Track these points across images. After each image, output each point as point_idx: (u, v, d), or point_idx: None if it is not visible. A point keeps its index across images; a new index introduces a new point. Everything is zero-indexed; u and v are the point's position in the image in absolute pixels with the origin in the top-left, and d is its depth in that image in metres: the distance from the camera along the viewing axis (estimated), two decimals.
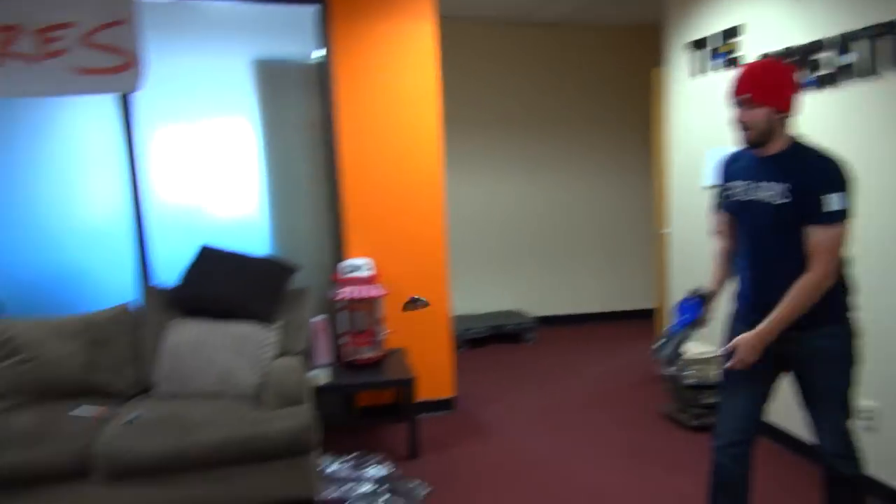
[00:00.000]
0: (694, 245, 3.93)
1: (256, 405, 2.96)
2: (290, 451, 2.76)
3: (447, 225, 5.82)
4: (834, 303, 2.12)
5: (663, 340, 2.30)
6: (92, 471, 2.65)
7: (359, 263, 3.69)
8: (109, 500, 2.67)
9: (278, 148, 3.91)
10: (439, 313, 3.99)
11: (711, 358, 3.45)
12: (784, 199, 2.04)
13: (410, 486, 3.06)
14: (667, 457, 3.33)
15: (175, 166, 3.77)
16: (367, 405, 4.01)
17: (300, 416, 2.80)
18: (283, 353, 3.31)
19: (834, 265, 2.04)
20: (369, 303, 3.66)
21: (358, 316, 3.65)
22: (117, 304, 3.43)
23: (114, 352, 3.27)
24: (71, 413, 2.93)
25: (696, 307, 2.30)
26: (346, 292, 3.57)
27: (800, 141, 2.11)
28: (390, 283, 3.89)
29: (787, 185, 2.04)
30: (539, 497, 2.99)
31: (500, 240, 6.02)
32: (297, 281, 3.82)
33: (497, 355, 5.30)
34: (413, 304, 3.02)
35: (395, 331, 3.91)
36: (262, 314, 3.30)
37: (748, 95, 2.06)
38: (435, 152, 3.90)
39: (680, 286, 3.95)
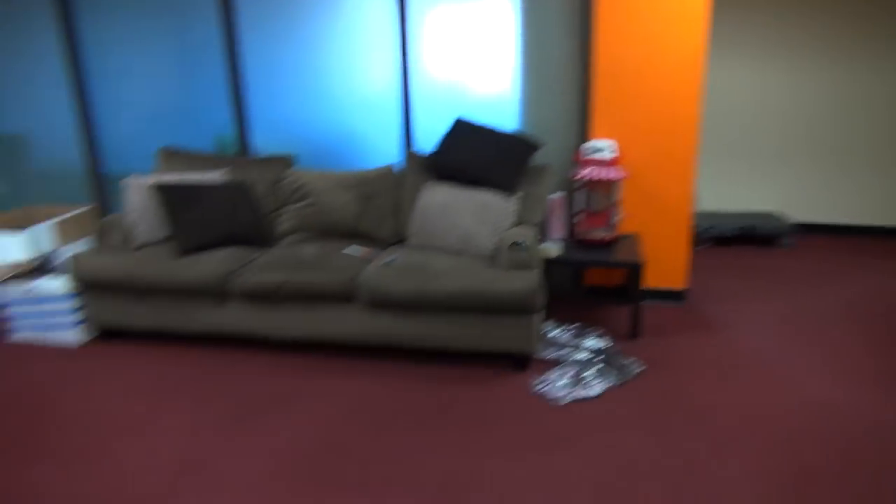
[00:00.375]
0: None
1: (491, 266, 3.26)
2: (516, 309, 3.03)
3: (703, 113, 5.50)
4: None
5: None
6: (355, 297, 3.20)
7: (601, 145, 3.70)
8: (367, 322, 3.22)
9: (536, 29, 3.96)
10: (680, 205, 3.88)
11: None
12: None
13: (625, 362, 3.19)
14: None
15: (440, 45, 4.04)
16: (595, 284, 4.14)
17: (527, 280, 3.03)
18: (520, 223, 3.55)
19: None
20: (607, 185, 3.69)
21: (595, 196, 3.71)
22: (384, 164, 3.91)
23: (379, 205, 3.78)
24: (343, 251, 3.52)
25: None
26: (586, 172, 3.63)
27: None
28: (632, 168, 3.86)
29: None
30: (753, 396, 2.93)
31: (765, 134, 5.49)
32: (541, 158, 3.98)
33: (744, 257, 5.02)
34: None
35: (632, 216, 3.92)
36: (504, 185, 3.53)
37: None
38: (698, 33, 3.64)
39: None
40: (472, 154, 3.61)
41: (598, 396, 2.93)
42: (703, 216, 5.43)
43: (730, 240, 5.40)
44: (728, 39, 5.38)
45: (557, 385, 2.98)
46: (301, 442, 2.63)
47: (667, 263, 3.99)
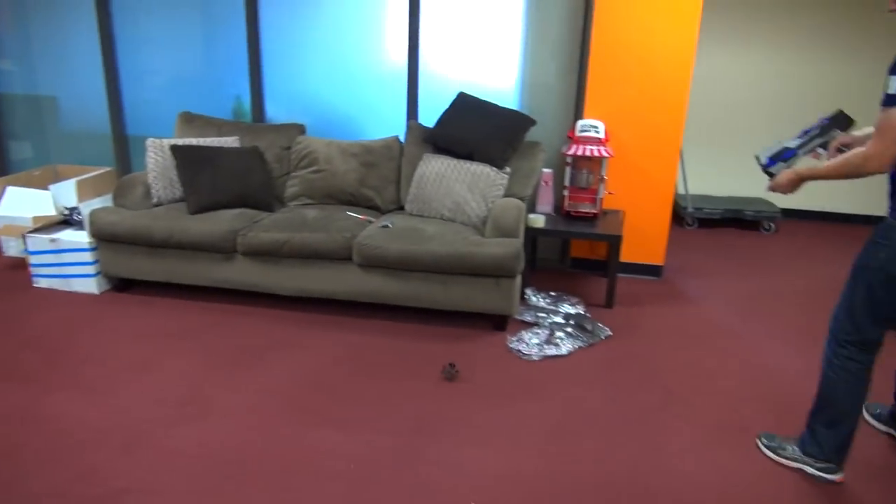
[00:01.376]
0: None
1: (479, 233, 3.48)
2: (497, 272, 3.25)
3: (697, 100, 5.64)
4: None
5: (776, 148, 2.28)
6: (352, 257, 3.44)
7: (594, 124, 3.88)
8: (362, 280, 3.46)
9: (539, 13, 4.13)
10: (664, 185, 4.07)
11: None
12: None
13: (595, 327, 3.42)
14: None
15: (448, 25, 4.22)
16: (579, 257, 4.36)
17: (510, 247, 3.25)
18: (510, 195, 3.75)
19: (880, 148, 1.89)
20: (596, 162, 3.88)
21: (583, 173, 3.90)
22: (389, 135, 4.12)
23: (381, 173, 4.00)
24: (348, 212, 3.76)
25: (825, 128, 2.24)
26: (576, 149, 3.81)
27: None
28: (620, 148, 4.05)
29: None
30: (706, 361, 3.16)
31: (755, 122, 5.63)
32: (535, 134, 4.17)
33: (727, 238, 5.21)
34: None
35: (617, 193, 4.12)
36: (497, 159, 3.73)
37: None
38: (691, 21, 3.79)
39: None
40: (469, 128, 3.80)
41: (567, 355, 3.17)
42: (695, 198, 5.60)
43: (717, 222, 5.58)
44: (720, 29, 5.49)
45: (530, 343, 3.22)
46: (291, 383, 2.89)
47: (648, 240, 4.19)
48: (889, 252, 2.03)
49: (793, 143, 2.29)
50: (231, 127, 4.25)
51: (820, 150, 2.28)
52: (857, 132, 2.27)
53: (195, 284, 3.73)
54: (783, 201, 5.72)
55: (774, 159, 2.30)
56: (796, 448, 2.35)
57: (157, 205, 3.88)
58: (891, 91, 1.85)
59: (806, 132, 2.29)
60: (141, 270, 3.75)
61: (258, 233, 3.52)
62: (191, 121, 4.28)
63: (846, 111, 2.26)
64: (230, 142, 4.09)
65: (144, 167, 4.01)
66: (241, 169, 3.90)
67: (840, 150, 2.25)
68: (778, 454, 2.39)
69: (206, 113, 4.54)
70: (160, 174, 3.88)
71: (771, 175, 2.31)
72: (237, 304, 3.70)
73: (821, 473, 2.28)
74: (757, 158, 2.35)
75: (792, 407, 2.75)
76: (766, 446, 2.44)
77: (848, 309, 2.16)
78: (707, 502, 2.18)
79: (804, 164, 2.21)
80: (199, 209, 3.73)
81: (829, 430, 2.24)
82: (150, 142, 3.92)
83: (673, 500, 2.19)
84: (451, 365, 2.89)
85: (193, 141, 4.01)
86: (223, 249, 3.58)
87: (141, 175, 3.95)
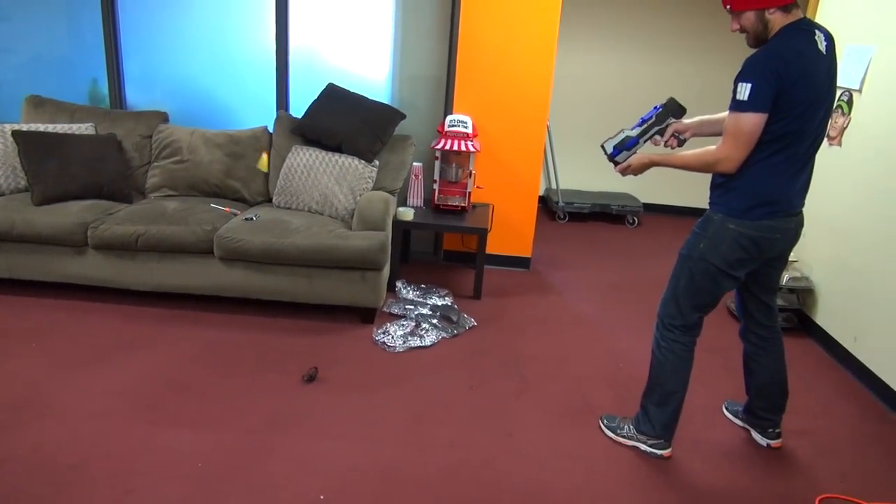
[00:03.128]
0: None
1: (347, 226, 3.46)
2: (363, 265, 3.25)
3: (569, 98, 5.87)
4: (717, 196, 2.22)
5: (619, 137, 2.41)
6: (213, 250, 3.32)
7: (462, 119, 3.95)
8: (224, 274, 3.35)
9: (409, 9, 4.14)
10: (529, 180, 4.22)
11: None
12: None
13: (460, 317, 3.49)
14: (713, 342, 3.46)
15: (317, 9, 4.15)
16: (450, 249, 4.44)
17: (376, 240, 3.25)
18: (380, 188, 3.76)
19: (732, 151, 2.07)
20: (465, 156, 3.95)
21: (452, 167, 3.97)
22: (257, 126, 4.01)
23: (248, 164, 3.88)
24: (211, 204, 3.62)
25: (660, 116, 2.39)
26: (445, 143, 3.87)
27: (790, 28, 2.04)
28: (488, 143, 4.15)
29: None
30: (564, 348, 3.32)
31: (624, 118, 5.92)
32: (406, 128, 4.19)
33: (594, 232, 5.48)
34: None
35: (486, 187, 4.22)
36: (365, 151, 3.71)
37: (728, 7, 2.10)
38: (551, 20, 3.93)
39: None
40: (337, 120, 3.76)
41: (430, 346, 3.22)
42: (565, 193, 5.83)
43: (586, 216, 5.84)
44: (587, 25, 5.75)
45: (395, 335, 3.24)
46: (143, 382, 2.76)
47: (516, 234, 4.33)
48: (706, 242, 2.21)
49: (633, 132, 2.41)
50: (86, 113, 3.98)
51: (658, 137, 2.42)
52: (688, 120, 2.43)
53: (42, 280, 3.48)
54: (646, 197, 6.07)
55: (619, 148, 2.42)
56: (631, 427, 2.50)
57: None
58: (740, 97, 2.01)
59: (644, 120, 2.42)
60: None
61: (111, 225, 3.33)
62: (40, 105, 3.98)
63: (677, 99, 2.41)
64: (83, 128, 3.83)
65: None
66: (95, 157, 3.67)
67: (675, 137, 2.40)
68: (616, 433, 2.54)
69: (60, 97, 4.22)
70: (1, 162, 3.59)
71: (616, 163, 2.44)
72: (89, 301, 3.48)
73: (652, 449, 2.45)
74: (603, 148, 2.46)
75: (634, 389, 2.93)
76: (606, 426, 2.59)
77: (673, 296, 2.33)
78: (551, 483, 2.29)
79: (652, 150, 2.34)
80: (45, 200, 3.48)
81: (658, 408, 2.40)
82: None
83: (520, 482, 2.28)
84: (316, 370, 2.85)
85: (41, 127, 3.73)
86: (72, 243, 3.36)
87: None
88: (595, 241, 5.21)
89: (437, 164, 3.97)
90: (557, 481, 2.30)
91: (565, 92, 5.88)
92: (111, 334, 3.15)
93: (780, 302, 3.62)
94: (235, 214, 3.56)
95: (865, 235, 3.22)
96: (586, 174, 6.03)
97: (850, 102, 3.44)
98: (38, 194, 3.47)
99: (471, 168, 3.96)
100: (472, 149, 3.85)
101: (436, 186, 4.00)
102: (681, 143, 2.44)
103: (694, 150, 2.19)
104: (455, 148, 3.84)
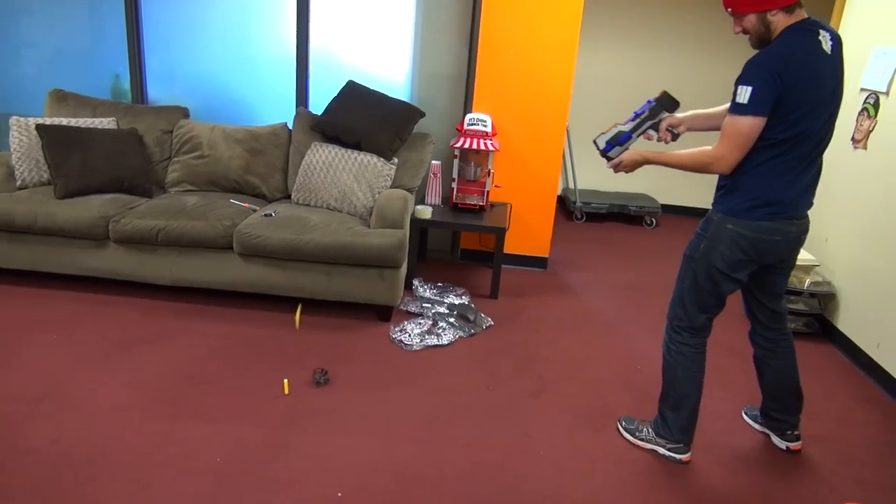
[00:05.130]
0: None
1: (366, 224, 3.46)
2: (381, 263, 3.25)
3: (585, 98, 5.83)
4: (720, 196, 2.20)
5: (611, 133, 2.36)
6: (232, 246, 3.33)
7: (482, 118, 3.93)
8: (244, 269, 3.36)
9: (430, 8, 4.12)
10: (548, 179, 4.19)
11: None
12: None
13: (478, 317, 3.48)
14: (732, 345, 3.43)
15: (338, 7, 4.15)
16: (468, 248, 4.42)
17: (394, 237, 3.25)
18: (398, 186, 3.75)
19: (727, 153, 2.04)
20: (484, 155, 3.94)
21: (471, 166, 3.95)
22: (277, 122, 4.02)
23: (267, 160, 3.89)
24: (231, 199, 3.63)
25: (653, 110, 2.33)
26: (464, 142, 3.86)
27: (793, 29, 2.01)
28: (507, 142, 4.13)
29: None
30: (581, 349, 3.29)
31: None
32: (427, 126, 4.18)
33: (611, 232, 5.44)
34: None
35: (504, 187, 4.20)
36: (384, 149, 3.71)
37: (729, 10, 2.07)
38: (573, 20, 3.90)
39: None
40: (357, 117, 3.76)
41: (447, 345, 3.21)
42: (583, 193, 5.80)
43: (604, 216, 5.81)
44: (608, 27, 5.71)
45: (412, 333, 3.24)
46: (162, 376, 2.78)
47: (534, 232, 4.30)
48: (706, 243, 2.20)
49: (626, 127, 2.36)
50: (108, 107, 4.01)
51: (651, 132, 2.37)
52: (681, 114, 2.39)
53: (63, 273, 3.51)
54: (665, 198, 6.01)
55: (612, 144, 2.37)
56: (650, 430, 2.48)
57: (21, 188, 3.62)
58: (739, 100, 1.99)
59: (637, 115, 2.37)
60: (3, 257, 3.48)
61: (132, 219, 3.35)
62: (63, 99, 4.01)
63: (673, 95, 2.34)
64: (105, 123, 3.86)
65: (9, 148, 3.73)
66: (116, 152, 3.69)
67: (669, 131, 2.36)
68: (635, 436, 2.52)
69: (82, 91, 4.25)
70: (25, 155, 3.62)
71: (609, 159, 2.39)
72: (109, 294, 3.51)
73: (671, 454, 2.42)
74: (595, 144, 2.42)
75: (652, 391, 2.91)
76: (625, 429, 2.56)
77: (679, 297, 2.32)
78: (568, 485, 2.28)
79: (647, 147, 2.29)
80: (68, 193, 3.50)
81: (673, 412, 2.38)
82: (13, 120, 3.65)
83: (536, 484, 2.27)
84: (323, 371, 2.84)
85: (64, 121, 3.76)
86: (94, 236, 3.39)
87: (4, 155, 3.68)
88: (612, 242, 5.17)
89: (456, 162, 3.96)
90: (575, 483, 2.28)
91: (585, 92, 5.84)
92: (131, 328, 3.17)
93: (801, 307, 3.59)
94: (255, 210, 3.57)
95: (890, 240, 3.17)
96: (604, 174, 5.98)
97: (876, 105, 3.38)
98: (61, 188, 3.49)
99: (489, 167, 3.95)
100: (491, 147, 3.83)
101: (454, 185, 3.99)
102: (674, 137, 2.37)
103: (689, 149, 2.17)
104: (474, 146, 3.83)
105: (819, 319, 3.66)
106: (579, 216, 5.68)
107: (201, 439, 2.37)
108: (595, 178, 6.01)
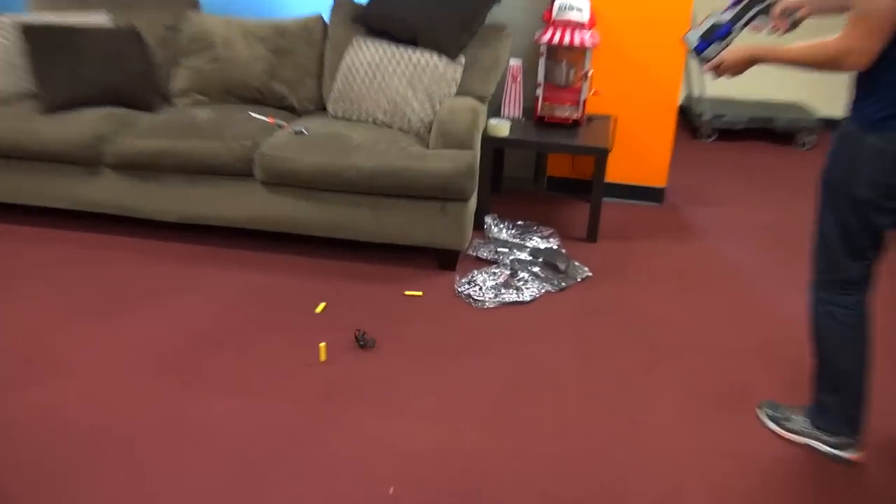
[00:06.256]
0: None
1: (423, 143, 3.39)
2: (443, 194, 3.19)
3: None
4: (853, 102, 2.10)
5: (706, 25, 2.27)
6: (254, 172, 3.33)
7: (577, 3, 3.76)
8: (267, 203, 3.38)
9: None
10: (666, 85, 4.04)
11: None
12: None
13: (569, 266, 3.40)
14: None
15: None
16: (557, 176, 4.34)
17: (461, 161, 3.17)
18: (465, 93, 3.66)
19: (861, 42, 1.88)
20: (579, 52, 3.78)
21: (562, 66, 3.81)
22: (309, 14, 3.95)
23: (297, 63, 3.88)
24: (251, 113, 3.63)
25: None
26: (554, 35, 3.72)
27: None
28: (610, 34, 3.98)
29: None
30: (707, 311, 3.19)
31: None
32: (501, 14, 4.03)
33: (751, 155, 5.28)
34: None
35: (605, 93, 4.06)
36: (449, 45, 3.61)
37: None
38: None
39: None
40: (412, 5, 3.67)
41: (530, 302, 3.16)
42: (712, 103, 5.61)
43: (741, 134, 5.62)
44: None
45: (485, 287, 3.21)
46: (171, 336, 2.83)
47: (646, 155, 4.19)
48: (844, 165, 2.07)
49: (726, 16, 2.26)
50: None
51: (760, 20, 2.27)
52: None
53: (48, 206, 3.63)
54: (827, 108, 5.70)
55: (707, 40, 2.28)
56: (806, 419, 2.37)
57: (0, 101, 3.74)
58: None
59: (738, 0, 2.27)
60: None
61: (132, 139, 3.43)
62: None
63: None
64: (98, 19, 3.90)
65: None
66: (112, 55, 3.75)
67: (785, 17, 2.24)
68: (782, 427, 2.42)
69: None
70: (5, 61, 3.72)
71: (705, 60, 2.30)
72: (104, 234, 3.62)
73: (832, 450, 2.31)
74: (686, 41, 2.33)
75: (806, 368, 2.76)
76: (769, 417, 2.47)
77: (822, 242, 2.19)
78: (689, 486, 2.20)
79: (756, 40, 2.17)
80: (56, 107, 3.59)
81: (833, 396, 2.27)
82: None
83: (646, 484, 2.20)
84: (361, 332, 2.82)
85: (50, 17, 3.81)
86: (85, 161, 3.48)
87: None
88: (752, 169, 5.00)
89: (542, 61, 3.83)
90: (697, 485, 2.21)
91: None
92: (131, 276, 3.24)
93: None
94: (281, 126, 3.56)
95: None
96: (742, 77, 5.69)
97: None
98: (47, 101, 3.57)
99: (587, 68, 3.79)
100: (588, 42, 3.69)
101: (539, 92, 3.88)
102: (794, 24, 2.25)
103: (810, 41, 2.00)
104: (566, 41, 3.70)
105: None
106: (708, 133, 5.54)
107: (217, 416, 2.41)
108: (729, 82, 5.74)
